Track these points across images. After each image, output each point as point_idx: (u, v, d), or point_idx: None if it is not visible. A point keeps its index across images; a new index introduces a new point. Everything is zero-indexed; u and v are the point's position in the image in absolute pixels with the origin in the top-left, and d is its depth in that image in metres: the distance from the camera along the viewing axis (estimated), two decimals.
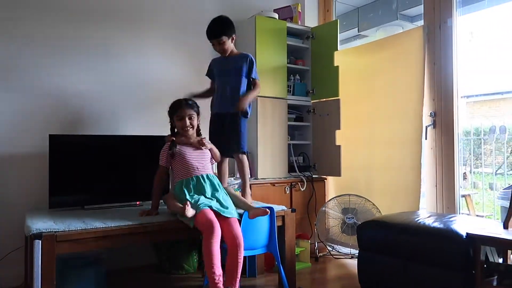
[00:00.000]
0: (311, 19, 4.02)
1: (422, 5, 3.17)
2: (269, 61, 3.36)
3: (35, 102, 2.75)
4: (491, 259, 2.08)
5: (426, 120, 3.07)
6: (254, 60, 2.71)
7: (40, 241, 1.85)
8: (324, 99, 3.57)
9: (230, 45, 2.66)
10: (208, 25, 2.65)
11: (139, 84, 3.15)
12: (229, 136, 2.64)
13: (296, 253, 2.83)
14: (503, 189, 3.22)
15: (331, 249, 3.48)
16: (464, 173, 3.87)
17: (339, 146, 3.41)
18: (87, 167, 2.70)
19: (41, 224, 2.01)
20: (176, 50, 3.33)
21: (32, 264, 1.84)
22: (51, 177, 2.53)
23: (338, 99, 3.42)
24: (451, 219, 2.29)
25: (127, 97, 3.10)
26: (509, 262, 2.09)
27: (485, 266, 2.02)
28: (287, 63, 3.51)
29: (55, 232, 1.92)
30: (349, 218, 3.25)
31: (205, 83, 3.24)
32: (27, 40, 2.74)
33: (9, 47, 2.68)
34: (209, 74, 2.83)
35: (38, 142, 2.70)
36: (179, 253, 2.91)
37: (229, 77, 2.66)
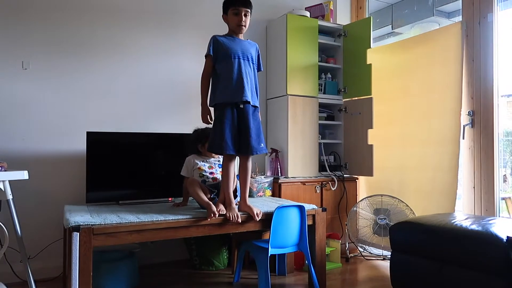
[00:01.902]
0: (343, 17, 3.97)
1: (460, 0, 3.06)
2: (300, 59, 3.35)
3: (73, 101, 2.86)
4: None
5: (464, 119, 2.96)
6: None
7: (78, 234, 1.92)
8: (356, 98, 3.52)
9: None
10: None
11: (171, 83, 3.21)
12: (251, 131, 2.33)
13: (326, 253, 2.81)
14: None
15: (362, 250, 3.42)
16: (504, 175, 3.70)
17: (371, 146, 3.35)
18: (122, 164, 2.78)
19: (79, 218, 2.09)
20: (205, 50, 3.35)
21: (70, 255, 1.92)
22: (88, 173, 2.62)
23: (371, 98, 3.36)
24: (490, 222, 2.20)
25: (160, 96, 3.16)
26: None
27: None
28: (319, 61, 3.48)
29: (92, 225, 1.98)
30: (382, 219, 3.19)
31: None
32: (64, 41, 2.85)
33: (47, 49, 2.80)
34: (216, 50, 2.37)
35: (76, 140, 2.81)
36: (209, 249, 2.95)
37: (247, 63, 2.39)
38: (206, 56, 2.41)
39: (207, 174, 2.58)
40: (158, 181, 2.89)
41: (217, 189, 2.52)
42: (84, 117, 2.89)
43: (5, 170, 2.04)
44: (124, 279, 2.54)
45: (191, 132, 2.72)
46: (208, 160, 2.64)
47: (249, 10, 2.39)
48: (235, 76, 2.33)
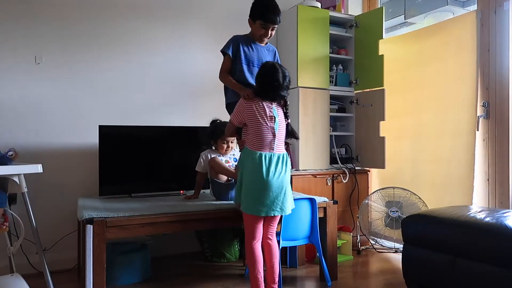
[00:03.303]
0: (354, 7, 3.91)
1: None
2: (311, 51, 3.31)
3: (85, 95, 2.89)
4: None
5: (479, 110, 2.91)
6: None
7: (92, 226, 1.95)
8: (368, 89, 3.48)
9: None
10: (264, 4, 2.33)
11: (183, 76, 3.22)
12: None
13: (338, 246, 2.80)
14: None
15: (373, 242, 3.40)
16: None
17: (383, 138, 3.31)
18: (134, 157, 2.80)
19: (92, 211, 2.11)
20: (217, 43, 3.34)
21: (84, 248, 1.95)
22: (101, 167, 2.65)
23: (383, 89, 3.32)
24: (504, 215, 2.16)
25: (172, 89, 3.17)
26: None
27: None
28: (330, 53, 3.44)
29: (105, 218, 2.01)
30: (394, 211, 3.16)
31: None
32: (76, 36, 2.86)
33: (60, 43, 2.82)
34: (235, 54, 2.39)
35: (89, 133, 2.84)
36: (221, 241, 2.97)
37: None
38: (223, 54, 2.41)
39: None
40: (170, 174, 2.91)
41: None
42: (97, 111, 2.91)
43: (14, 157, 2.08)
44: (137, 271, 2.57)
45: (208, 125, 2.73)
46: (224, 155, 2.65)
47: (277, 26, 2.37)
48: (247, 82, 2.36)
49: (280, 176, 2.12)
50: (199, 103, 3.25)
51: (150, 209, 2.20)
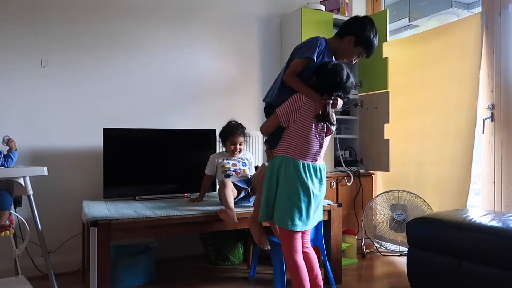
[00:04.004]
0: (359, 10, 3.91)
1: None
2: None
3: (90, 98, 2.90)
4: None
5: (484, 112, 2.89)
6: None
7: (96, 229, 1.95)
8: (372, 92, 3.47)
9: None
10: (375, 33, 2.04)
11: (187, 79, 3.23)
12: None
13: (342, 249, 2.79)
14: None
15: (378, 245, 3.39)
16: None
17: (387, 140, 3.30)
18: (139, 160, 2.81)
19: (97, 213, 2.12)
20: (222, 44, 3.37)
21: (89, 250, 1.96)
22: (105, 169, 2.66)
23: (387, 92, 3.31)
24: (510, 218, 2.15)
25: (176, 92, 3.18)
26: None
27: None
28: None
29: (109, 220, 2.02)
30: (398, 214, 3.15)
31: (251, 76, 3.28)
32: (81, 39, 2.88)
33: (65, 46, 2.84)
34: (321, 58, 1.99)
35: (93, 136, 2.85)
36: (225, 244, 2.96)
37: None
38: (302, 57, 1.95)
39: (230, 168, 2.59)
40: (174, 177, 2.92)
41: (247, 185, 2.52)
42: (101, 114, 2.93)
43: (7, 144, 2.16)
44: (141, 273, 2.58)
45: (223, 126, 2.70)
46: (232, 158, 2.64)
47: None
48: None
49: (321, 189, 1.97)
50: (203, 105, 3.26)
51: (154, 212, 2.21)
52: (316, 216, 2.01)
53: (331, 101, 1.89)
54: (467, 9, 3.48)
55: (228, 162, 2.61)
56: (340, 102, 2.01)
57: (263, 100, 2.15)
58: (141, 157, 2.82)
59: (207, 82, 3.30)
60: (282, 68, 2.14)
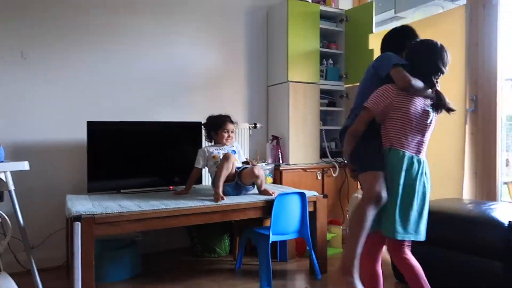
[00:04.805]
0: (345, 2, 3.90)
1: None
2: (301, 45, 3.31)
3: (72, 90, 2.84)
4: None
5: (468, 104, 2.92)
6: None
7: (80, 223, 1.93)
8: (358, 84, 3.47)
9: None
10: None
11: (171, 71, 3.18)
12: None
13: (327, 239, 2.82)
14: None
15: None
16: (507, 159, 3.67)
17: None
18: (123, 153, 2.78)
19: (80, 207, 2.09)
20: (208, 36, 3.33)
21: (72, 245, 1.93)
22: (89, 163, 2.62)
23: None
24: (491, 207, 2.19)
25: (160, 85, 3.14)
26: None
27: None
28: (320, 47, 3.44)
29: (93, 214, 1.99)
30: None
31: (237, 68, 3.26)
32: (62, 31, 2.82)
33: (46, 38, 2.77)
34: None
35: (77, 129, 2.80)
36: (211, 236, 2.96)
37: None
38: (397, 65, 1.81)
39: (221, 158, 2.59)
40: (159, 170, 2.89)
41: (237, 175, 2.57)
42: (85, 107, 2.87)
43: None
44: (127, 267, 2.56)
45: (199, 120, 2.79)
46: (222, 147, 2.69)
47: None
48: None
49: (425, 188, 1.78)
50: (189, 98, 3.23)
51: (139, 205, 2.19)
52: (420, 228, 1.80)
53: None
54: (452, 1, 3.50)
55: (218, 152, 2.63)
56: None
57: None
58: (125, 150, 2.78)
59: (193, 74, 3.26)
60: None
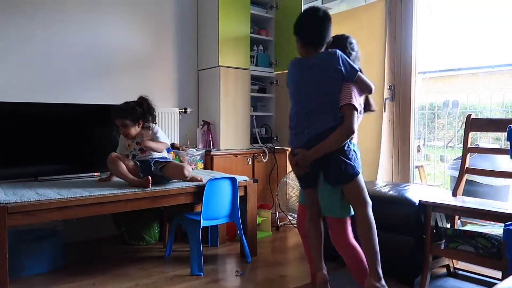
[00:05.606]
0: None
1: None
2: (231, 30, 3.29)
3: None
4: (440, 225, 2.21)
5: (386, 93, 3.15)
6: None
7: None
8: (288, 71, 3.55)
9: None
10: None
11: (95, 50, 2.98)
12: None
13: (257, 223, 2.88)
14: (453, 160, 3.40)
15: (291, 218, 3.56)
16: (418, 145, 4.03)
17: None
18: (40, 137, 2.56)
19: None
20: (133, 11, 3.17)
21: None
22: None
23: None
24: (405, 188, 2.40)
25: (83, 65, 2.93)
26: (456, 227, 2.22)
27: (434, 231, 2.14)
28: (251, 33, 3.45)
29: (6, 203, 1.83)
30: None
31: (166, 51, 3.15)
32: None
33: None
34: None
35: None
36: (139, 224, 2.88)
37: None
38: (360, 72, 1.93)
39: (136, 148, 2.48)
40: (82, 156, 2.72)
41: (145, 165, 2.42)
42: None
43: None
44: (47, 259, 2.40)
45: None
46: (137, 136, 2.51)
47: None
48: None
49: None
50: (114, 79, 3.05)
51: (59, 193, 2.05)
52: None
53: None
54: None
55: (133, 141, 2.49)
56: None
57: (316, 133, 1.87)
58: (42, 134, 2.57)
59: (118, 54, 3.09)
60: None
